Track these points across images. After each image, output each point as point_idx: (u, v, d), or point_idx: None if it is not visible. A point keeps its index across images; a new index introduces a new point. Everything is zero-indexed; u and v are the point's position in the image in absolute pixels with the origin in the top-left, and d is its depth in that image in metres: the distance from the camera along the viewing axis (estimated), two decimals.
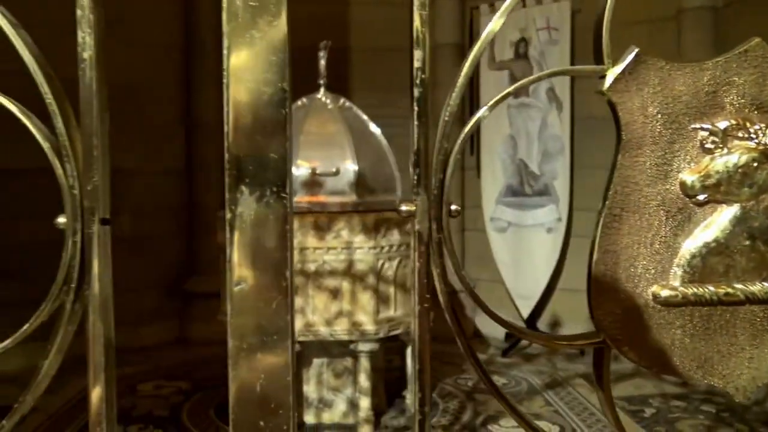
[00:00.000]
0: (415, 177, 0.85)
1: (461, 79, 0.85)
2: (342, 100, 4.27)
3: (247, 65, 0.81)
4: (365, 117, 4.26)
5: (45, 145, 0.81)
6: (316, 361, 4.08)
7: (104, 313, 0.86)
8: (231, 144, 0.82)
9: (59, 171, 0.80)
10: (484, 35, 0.84)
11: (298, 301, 3.82)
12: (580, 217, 4.90)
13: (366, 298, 3.86)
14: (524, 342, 5.11)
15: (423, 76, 0.85)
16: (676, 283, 0.89)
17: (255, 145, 0.82)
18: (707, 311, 0.90)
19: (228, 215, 0.83)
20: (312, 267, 3.85)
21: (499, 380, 4.48)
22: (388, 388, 4.13)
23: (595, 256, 0.87)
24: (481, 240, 5.37)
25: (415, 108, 0.85)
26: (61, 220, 0.83)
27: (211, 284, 5.20)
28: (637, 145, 0.90)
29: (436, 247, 0.84)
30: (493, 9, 5.17)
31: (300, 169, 4.01)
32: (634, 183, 0.91)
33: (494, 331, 5.35)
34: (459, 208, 0.85)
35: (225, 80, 0.82)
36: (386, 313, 3.94)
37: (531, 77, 0.90)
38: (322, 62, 4.21)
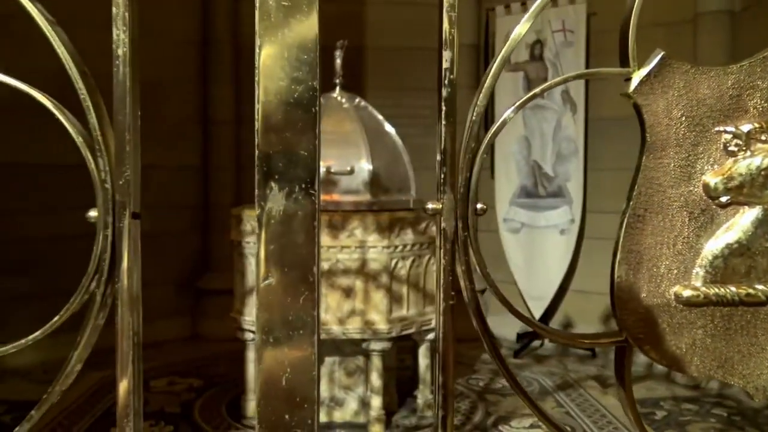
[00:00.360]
0: (442, 176, 0.86)
1: (488, 80, 0.87)
2: (357, 100, 4.29)
3: (279, 63, 0.83)
4: (380, 116, 4.28)
5: (78, 140, 0.83)
6: (328, 360, 4.10)
7: (132, 306, 0.88)
8: (261, 141, 0.84)
9: (92, 165, 0.82)
10: (514, 34, 0.86)
11: None
12: (593, 219, 4.89)
13: (379, 297, 3.87)
14: (536, 343, 5.11)
15: (451, 76, 0.86)
16: (698, 283, 0.90)
17: (285, 143, 0.84)
18: (728, 311, 0.91)
19: (257, 211, 0.84)
20: (325, 265, 3.86)
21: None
22: (399, 387, 4.14)
23: (618, 256, 0.88)
24: (494, 241, 5.37)
25: (443, 108, 0.86)
26: (92, 213, 0.85)
27: (224, 281, 5.23)
28: (662, 147, 0.91)
29: (461, 245, 0.86)
30: (509, 11, 5.17)
31: None
32: (657, 184, 0.92)
33: (505, 332, 5.35)
34: (485, 206, 0.87)
35: (257, 78, 0.83)
36: (399, 312, 3.94)
37: (557, 79, 0.91)
38: (338, 61, 4.23)
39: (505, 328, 5.39)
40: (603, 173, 4.89)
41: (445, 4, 0.86)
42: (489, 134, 0.88)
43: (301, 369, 0.85)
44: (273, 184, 0.84)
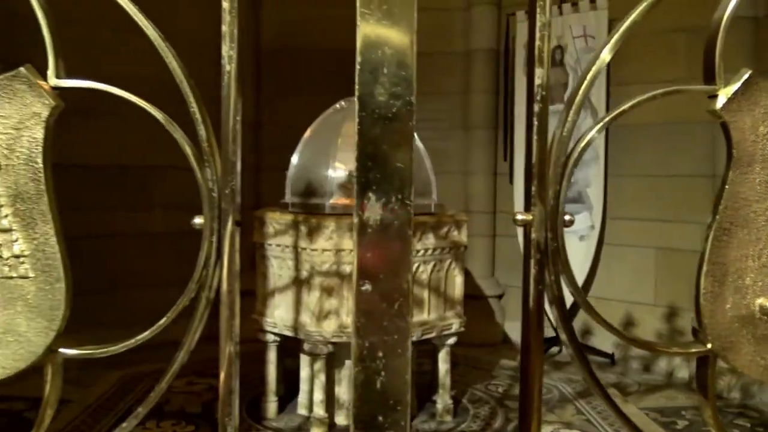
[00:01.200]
0: (533, 188, 0.88)
1: (579, 97, 0.89)
2: None
3: (378, 79, 0.85)
4: None
5: (187, 151, 0.85)
6: (349, 363, 4.10)
7: (233, 309, 0.90)
8: (360, 153, 0.85)
9: (199, 174, 0.84)
10: (601, 58, 0.87)
11: (333, 303, 3.85)
12: (613, 226, 4.90)
13: None
14: (554, 349, 5.12)
15: (543, 93, 0.88)
16: None
17: (382, 155, 0.85)
18: None
19: (355, 219, 0.86)
20: (347, 269, 3.88)
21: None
22: (418, 392, 4.15)
23: (704, 268, 0.89)
24: (512, 246, 5.39)
25: (535, 122, 0.88)
26: (198, 220, 0.87)
27: (244, 282, 5.25)
28: (747, 163, 0.93)
29: (551, 255, 0.87)
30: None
31: (337, 172, 4.06)
32: (743, 198, 0.93)
33: None
34: (573, 218, 0.88)
35: (357, 93, 0.85)
36: (420, 316, 3.96)
37: (646, 95, 0.92)
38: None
39: None
40: (623, 179, 4.89)
41: (538, 23, 0.88)
42: (579, 148, 0.89)
43: (395, 372, 0.87)
44: (371, 195, 0.86)
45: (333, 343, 3.89)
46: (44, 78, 0.84)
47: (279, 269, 4.06)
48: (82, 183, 4.66)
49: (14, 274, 0.84)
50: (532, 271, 0.87)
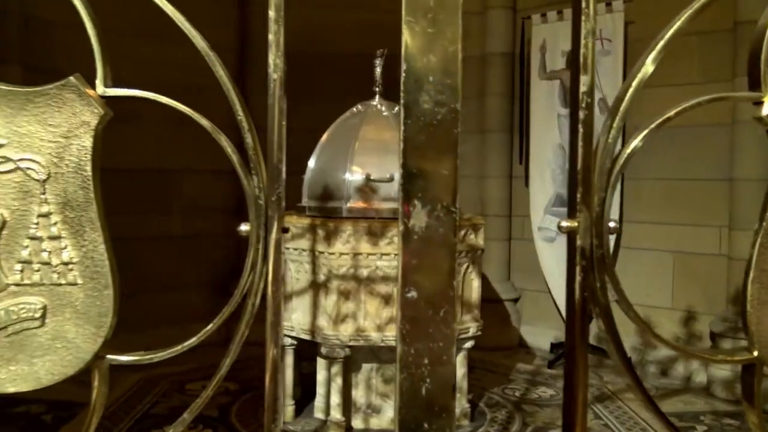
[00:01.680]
0: (578, 195, 0.88)
1: (624, 104, 0.88)
2: (397, 108, 4.31)
3: (424, 87, 0.85)
4: None
5: (234, 158, 0.85)
6: (366, 367, 4.11)
7: (278, 316, 0.91)
8: (406, 160, 0.86)
9: (245, 182, 0.85)
10: (639, 75, 0.86)
11: (350, 306, 3.86)
12: (630, 229, 4.87)
13: None
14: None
15: (588, 100, 0.88)
16: None
17: (428, 162, 0.86)
18: None
19: (401, 227, 0.86)
20: (365, 272, 3.89)
21: (546, 391, 4.47)
22: None
23: (750, 275, 0.88)
24: (528, 249, 5.37)
25: (581, 130, 0.88)
26: (244, 228, 0.88)
27: None
28: None
29: (597, 262, 0.87)
30: (545, 19, 5.18)
31: (354, 175, 4.06)
32: None
33: (540, 342, 5.35)
34: (618, 225, 0.88)
35: (402, 100, 0.85)
36: None
37: (688, 103, 0.92)
38: (378, 70, 4.26)
39: (540, 337, 5.40)
40: (640, 183, 4.87)
41: (583, 30, 0.87)
42: (624, 155, 0.89)
43: (440, 379, 0.87)
44: (416, 202, 0.86)
45: (350, 347, 3.90)
46: (93, 87, 0.85)
47: (296, 273, 4.07)
48: (102, 187, 4.69)
49: (63, 281, 0.85)
50: (578, 278, 0.87)
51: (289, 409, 4.14)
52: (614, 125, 0.88)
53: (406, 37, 0.84)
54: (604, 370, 4.80)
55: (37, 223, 0.84)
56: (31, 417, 4.07)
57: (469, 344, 4.04)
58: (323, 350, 3.93)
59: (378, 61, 4.25)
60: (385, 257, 3.89)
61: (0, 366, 0.85)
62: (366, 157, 4.10)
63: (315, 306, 3.98)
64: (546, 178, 5.19)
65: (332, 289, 3.86)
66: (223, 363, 0.93)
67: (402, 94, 0.84)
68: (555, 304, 5.13)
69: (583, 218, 0.87)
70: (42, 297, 0.85)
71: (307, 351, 4.19)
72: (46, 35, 4.79)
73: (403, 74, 0.84)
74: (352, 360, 4.01)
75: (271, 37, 0.83)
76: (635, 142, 0.88)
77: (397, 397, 0.87)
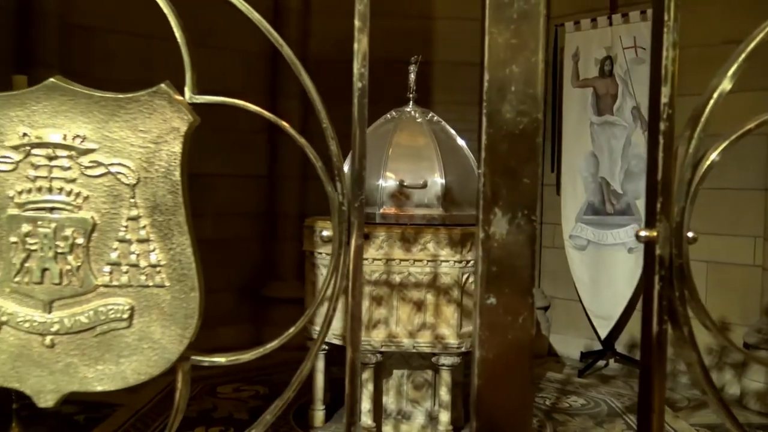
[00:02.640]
0: (658, 205, 0.88)
1: (706, 115, 0.88)
2: (430, 114, 4.33)
3: (506, 97, 0.86)
4: (453, 131, 4.31)
5: (318, 164, 0.87)
6: (396, 373, 4.12)
7: (359, 318, 0.92)
8: (487, 168, 0.86)
9: (329, 188, 0.86)
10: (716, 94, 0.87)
11: (383, 312, 3.87)
12: None
13: (450, 312, 3.88)
14: (600, 362, 5.06)
15: (669, 111, 0.88)
16: None
17: (509, 171, 0.86)
18: None
19: (481, 234, 0.87)
20: (397, 278, 3.89)
21: (577, 401, 4.44)
22: (466, 403, 4.13)
23: None
24: (558, 257, 5.34)
25: (661, 141, 0.88)
26: (326, 233, 0.89)
27: (289, 290, 5.31)
28: None
29: (676, 272, 0.87)
30: (578, 27, 5.16)
31: (388, 181, 4.08)
32: None
33: (570, 351, 5.31)
34: (696, 236, 0.88)
35: (484, 110, 0.86)
36: (469, 327, 3.94)
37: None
38: (412, 76, 4.28)
39: (570, 346, 5.36)
40: None
41: (665, 43, 0.88)
42: (704, 166, 0.89)
43: (517, 387, 0.87)
44: (497, 210, 0.86)
45: (381, 353, 3.90)
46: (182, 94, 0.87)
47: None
48: None
49: (150, 283, 0.87)
50: (656, 287, 0.87)
51: (319, 413, 4.16)
52: (695, 135, 0.88)
53: (489, 47, 0.85)
54: (634, 380, 4.75)
55: (126, 226, 0.87)
56: (63, 417, 4.12)
57: None
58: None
59: (412, 68, 4.27)
60: (417, 263, 3.89)
61: (88, 365, 0.87)
62: (399, 163, 4.11)
63: (347, 311, 3.99)
64: (578, 186, 5.17)
65: (364, 295, 3.87)
66: (303, 365, 0.94)
67: (484, 104, 0.85)
68: (585, 312, 5.10)
69: (662, 228, 0.88)
70: (129, 298, 0.87)
71: (339, 356, 4.21)
72: (84, 41, 4.89)
73: (486, 84, 0.85)
74: (383, 366, 4.02)
75: (356, 46, 0.85)
76: (714, 155, 0.88)
77: (474, 404, 0.88)
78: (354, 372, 0.90)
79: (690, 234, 0.88)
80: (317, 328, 4.16)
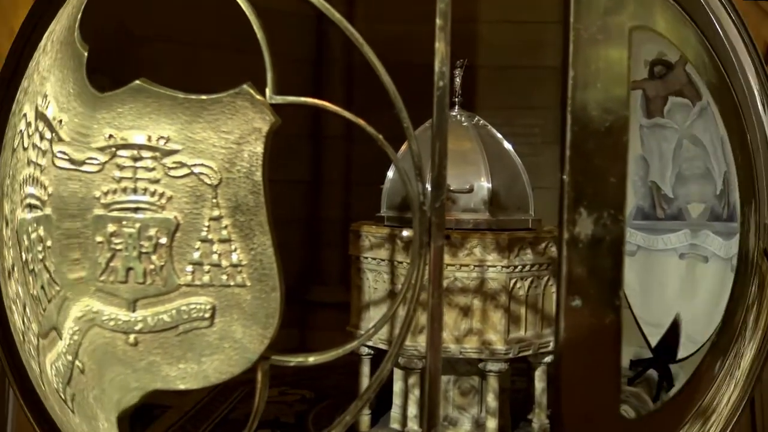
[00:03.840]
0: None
1: None
2: (476, 118, 4.30)
3: (591, 95, 0.85)
4: (499, 135, 4.27)
5: (398, 167, 0.86)
6: (443, 378, 4.09)
7: (440, 319, 0.91)
8: (571, 167, 0.85)
9: (410, 189, 0.85)
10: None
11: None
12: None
13: (497, 317, 3.84)
14: (650, 371, 4.93)
15: None
16: None
17: (595, 169, 0.85)
18: None
19: (565, 235, 0.85)
20: (443, 283, 3.87)
21: (627, 411, 4.34)
22: (512, 410, 4.08)
23: None
24: None
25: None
26: (406, 233, 0.89)
27: (333, 295, 5.32)
28: None
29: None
30: None
31: None
32: None
33: None
34: None
35: (569, 107, 0.85)
36: (517, 333, 3.90)
37: None
38: (458, 80, 4.25)
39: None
40: None
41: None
42: None
43: (601, 387, 0.85)
44: (582, 210, 0.85)
45: (425, 358, 3.88)
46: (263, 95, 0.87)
47: (374, 282, 4.08)
48: None
49: (232, 283, 0.87)
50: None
51: (365, 418, 4.15)
52: None
53: (574, 44, 0.84)
54: None
55: (208, 226, 0.87)
56: None
57: (548, 358, 3.97)
58: (401, 360, 3.92)
59: (457, 72, 4.24)
60: (464, 268, 3.86)
61: (170, 363, 0.88)
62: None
63: (393, 316, 3.99)
64: (627, 190, 5.05)
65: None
66: (382, 366, 0.94)
67: (569, 101, 0.84)
68: (635, 319, 4.98)
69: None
70: (211, 298, 0.88)
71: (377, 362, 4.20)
72: (134, 49, 5.00)
73: (571, 81, 0.84)
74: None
75: (437, 45, 0.84)
76: None
77: (561, 401, 0.86)
78: (435, 375, 0.89)
79: None
80: (362, 332, 4.16)
